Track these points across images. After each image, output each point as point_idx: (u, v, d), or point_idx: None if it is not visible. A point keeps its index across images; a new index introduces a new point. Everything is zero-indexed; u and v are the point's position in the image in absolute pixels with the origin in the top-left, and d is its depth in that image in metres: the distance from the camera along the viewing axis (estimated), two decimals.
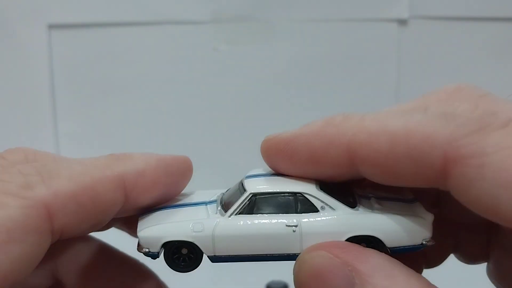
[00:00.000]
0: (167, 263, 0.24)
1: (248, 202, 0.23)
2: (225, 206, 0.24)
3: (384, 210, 0.23)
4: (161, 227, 0.23)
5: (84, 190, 0.21)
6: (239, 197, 0.23)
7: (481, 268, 0.28)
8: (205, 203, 0.25)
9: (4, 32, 0.74)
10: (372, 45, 0.74)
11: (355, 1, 0.73)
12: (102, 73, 0.75)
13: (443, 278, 0.25)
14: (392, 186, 0.23)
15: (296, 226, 0.22)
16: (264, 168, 0.26)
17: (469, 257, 0.29)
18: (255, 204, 0.23)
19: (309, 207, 0.22)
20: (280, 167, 0.24)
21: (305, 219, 0.22)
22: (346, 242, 0.22)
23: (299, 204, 0.23)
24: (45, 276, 0.27)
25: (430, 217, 0.23)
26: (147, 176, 0.23)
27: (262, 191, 0.23)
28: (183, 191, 0.26)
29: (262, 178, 0.24)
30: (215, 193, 0.26)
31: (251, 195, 0.23)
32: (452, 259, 0.30)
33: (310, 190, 0.22)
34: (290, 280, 0.23)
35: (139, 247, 0.24)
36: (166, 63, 0.75)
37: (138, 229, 0.24)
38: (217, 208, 0.24)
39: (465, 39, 0.75)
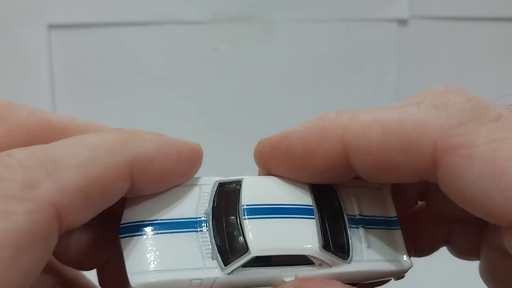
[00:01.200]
0: None
1: (249, 261, 0.21)
2: (222, 253, 0.22)
3: (371, 254, 0.23)
4: (156, 280, 0.21)
5: (93, 181, 0.19)
6: (239, 250, 0.21)
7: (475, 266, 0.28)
8: (194, 225, 0.23)
9: (4, 32, 0.74)
10: (372, 45, 0.74)
11: (355, 1, 0.73)
12: (102, 73, 0.75)
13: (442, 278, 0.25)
14: (377, 202, 0.24)
15: (292, 280, 0.22)
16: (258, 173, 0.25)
17: (461, 252, 0.28)
18: (257, 260, 0.22)
19: (308, 261, 0.22)
20: (273, 166, 0.24)
21: (303, 273, 0.22)
22: (316, 277, 0.22)
23: (299, 258, 0.22)
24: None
25: (408, 264, 0.24)
26: (157, 163, 0.21)
27: (266, 253, 0.22)
28: None
29: (264, 220, 0.22)
30: (201, 188, 0.24)
31: (255, 257, 0.21)
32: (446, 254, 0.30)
33: (315, 252, 0.22)
34: None
35: (128, 286, 0.22)
36: (166, 63, 0.75)
37: (128, 269, 0.22)
38: (213, 248, 0.22)
39: (465, 39, 0.75)
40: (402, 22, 0.74)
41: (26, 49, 0.74)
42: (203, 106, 0.76)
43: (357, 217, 0.24)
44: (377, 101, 0.74)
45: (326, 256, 0.22)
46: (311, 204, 0.23)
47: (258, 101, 0.76)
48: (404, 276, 0.24)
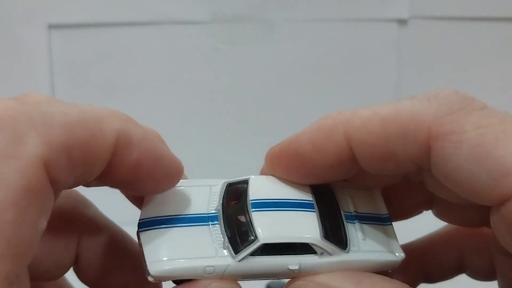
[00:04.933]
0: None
1: (258, 249, 0.23)
2: (233, 242, 0.24)
3: (367, 245, 0.25)
4: (173, 267, 0.23)
5: (77, 143, 0.19)
6: (248, 239, 0.23)
7: None
8: (207, 219, 0.25)
9: (4, 32, 0.74)
10: (372, 45, 0.74)
11: (355, 1, 0.73)
12: (102, 73, 0.75)
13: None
14: (369, 202, 0.26)
15: (297, 269, 0.24)
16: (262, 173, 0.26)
17: (478, 273, 0.29)
18: (264, 249, 0.24)
19: (310, 250, 0.24)
20: (285, 168, 0.25)
21: (306, 262, 0.24)
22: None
23: (302, 248, 0.24)
24: (69, 250, 0.27)
25: (401, 255, 0.25)
26: (135, 151, 0.21)
27: (273, 241, 0.23)
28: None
29: (270, 212, 0.24)
30: (211, 188, 0.26)
31: (262, 245, 0.23)
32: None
33: (317, 240, 0.24)
34: None
35: (147, 275, 0.23)
36: (167, 63, 0.75)
37: (147, 258, 0.23)
38: (224, 239, 0.24)
39: (465, 39, 0.75)
40: (402, 22, 0.74)
41: (26, 49, 0.74)
42: (203, 106, 0.76)
43: (353, 213, 0.26)
44: (377, 101, 0.73)
45: (327, 245, 0.24)
46: (312, 199, 0.25)
47: (257, 101, 0.76)
48: (397, 266, 0.25)
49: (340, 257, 0.24)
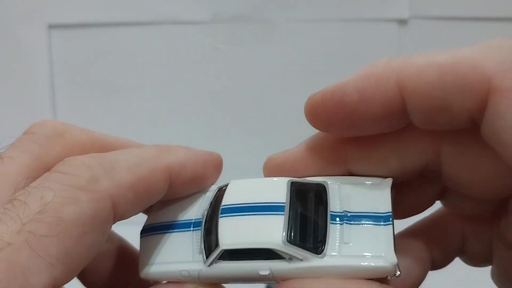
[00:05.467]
0: None
1: (221, 255, 0.24)
2: (206, 248, 0.25)
3: (351, 249, 0.23)
4: (156, 271, 0.25)
5: (140, 180, 0.23)
6: (214, 245, 0.24)
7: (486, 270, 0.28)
8: (192, 225, 0.26)
9: (4, 32, 0.74)
10: (372, 45, 0.74)
11: (355, 1, 0.73)
12: (102, 73, 0.75)
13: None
14: (371, 198, 0.24)
15: (268, 274, 0.23)
16: (248, 176, 0.26)
17: (475, 258, 0.28)
18: (229, 254, 0.24)
19: (278, 255, 0.23)
20: (327, 119, 0.23)
21: (276, 267, 0.23)
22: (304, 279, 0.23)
23: (270, 253, 0.23)
24: None
25: (392, 261, 0.23)
26: (188, 168, 0.25)
27: (233, 247, 0.24)
28: None
29: (237, 217, 0.24)
30: (206, 194, 0.27)
31: (223, 251, 0.24)
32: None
33: (278, 245, 0.23)
34: None
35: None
36: (167, 63, 0.75)
37: (140, 262, 0.26)
38: (201, 244, 0.25)
39: (465, 39, 0.75)
40: (402, 22, 0.74)
41: (26, 49, 0.74)
42: (203, 106, 0.76)
43: (342, 213, 0.24)
44: None
45: (292, 250, 0.23)
46: (284, 201, 0.24)
47: (257, 101, 0.76)
48: (399, 274, 0.23)
49: (312, 262, 0.23)
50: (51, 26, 0.73)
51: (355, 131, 0.23)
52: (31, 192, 0.21)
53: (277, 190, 0.25)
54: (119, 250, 0.31)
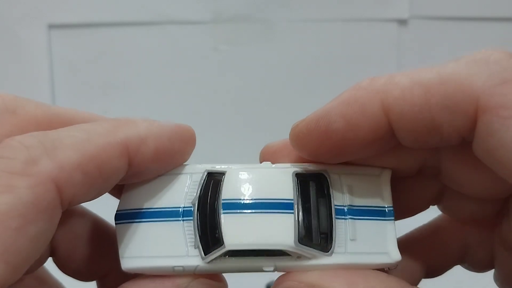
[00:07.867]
0: None
1: (225, 254, 0.22)
2: (203, 242, 0.23)
3: (356, 246, 0.23)
4: (143, 265, 0.23)
5: (89, 159, 0.20)
6: (216, 242, 0.23)
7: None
8: (181, 214, 0.24)
9: (4, 32, 0.74)
10: (372, 45, 0.74)
11: (355, 1, 0.73)
12: (102, 73, 0.75)
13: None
14: (372, 191, 0.23)
15: (272, 270, 0.23)
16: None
17: (477, 264, 0.28)
18: (233, 253, 0.23)
19: (285, 253, 0.23)
20: (313, 148, 0.23)
21: (281, 264, 0.23)
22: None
23: (277, 251, 0.23)
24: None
25: (396, 257, 0.23)
26: (150, 142, 0.22)
27: (239, 248, 0.22)
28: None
29: (242, 215, 0.23)
30: (192, 177, 0.25)
31: (229, 251, 0.22)
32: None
33: (290, 246, 0.22)
34: None
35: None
36: (167, 63, 0.75)
37: (120, 253, 0.23)
38: (195, 237, 0.23)
39: (465, 39, 0.75)
40: (402, 22, 0.74)
41: (26, 49, 0.74)
42: (203, 106, 0.76)
43: (346, 207, 0.24)
44: None
45: (302, 250, 0.22)
46: (292, 197, 0.23)
47: (258, 101, 0.76)
48: (396, 266, 0.23)
49: (320, 260, 0.22)
50: (51, 26, 0.73)
51: (344, 157, 0.23)
52: None
53: (283, 184, 0.24)
54: (95, 232, 0.28)
